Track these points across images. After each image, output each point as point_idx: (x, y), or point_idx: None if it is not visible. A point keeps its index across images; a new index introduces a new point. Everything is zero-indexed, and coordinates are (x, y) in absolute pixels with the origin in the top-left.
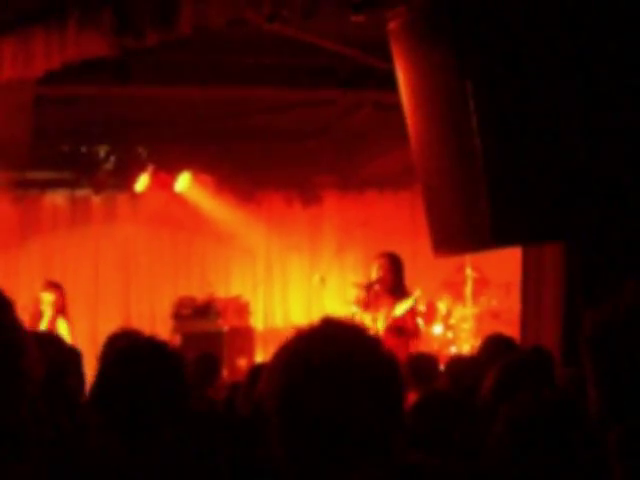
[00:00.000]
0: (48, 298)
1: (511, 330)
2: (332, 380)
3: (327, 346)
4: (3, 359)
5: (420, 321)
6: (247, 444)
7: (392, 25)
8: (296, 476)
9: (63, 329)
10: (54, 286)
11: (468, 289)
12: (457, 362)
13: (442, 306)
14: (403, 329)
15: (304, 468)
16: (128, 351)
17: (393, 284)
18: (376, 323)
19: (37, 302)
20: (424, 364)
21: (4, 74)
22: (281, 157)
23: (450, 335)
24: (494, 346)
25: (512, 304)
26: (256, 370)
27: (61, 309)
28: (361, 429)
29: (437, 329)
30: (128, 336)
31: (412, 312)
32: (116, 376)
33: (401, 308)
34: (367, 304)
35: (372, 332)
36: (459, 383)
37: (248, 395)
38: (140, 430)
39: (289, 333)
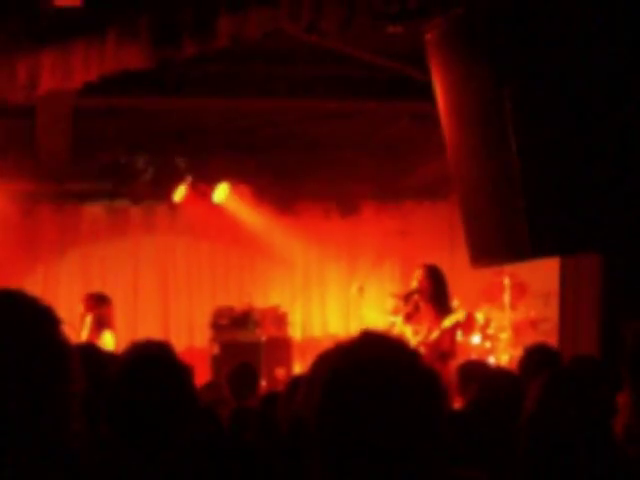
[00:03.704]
0: (100, 312)
1: (549, 340)
2: (371, 397)
3: (366, 362)
4: (50, 378)
5: (458, 332)
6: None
7: (429, 36)
8: None
9: (109, 342)
10: (96, 299)
11: (506, 298)
12: (488, 373)
13: (480, 316)
14: (445, 354)
15: None
16: (131, 363)
17: (433, 295)
18: (418, 335)
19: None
20: (474, 371)
21: (43, 86)
22: (319, 168)
23: (488, 345)
24: (537, 357)
25: (550, 314)
26: (295, 382)
27: (106, 322)
28: (400, 446)
29: (475, 339)
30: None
31: (454, 328)
32: (119, 389)
33: (450, 320)
34: (409, 316)
35: (412, 347)
36: (490, 395)
37: (287, 407)
38: (145, 441)
39: (327, 345)
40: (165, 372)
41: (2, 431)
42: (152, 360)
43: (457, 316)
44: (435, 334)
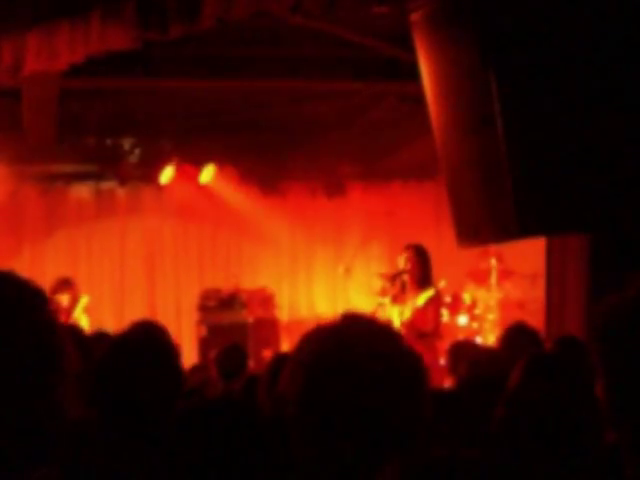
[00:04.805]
0: (65, 299)
1: (536, 320)
2: (353, 377)
3: (348, 343)
4: (42, 359)
5: (445, 312)
6: (264, 439)
7: (414, 16)
8: (317, 473)
9: (84, 324)
10: (67, 284)
11: (493, 278)
12: (477, 352)
13: (467, 297)
14: (423, 332)
15: (325, 465)
16: (120, 342)
17: (420, 276)
18: (402, 316)
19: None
20: (463, 351)
21: (28, 68)
22: (305, 149)
23: (475, 325)
24: (515, 336)
25: (537, 294)
26: (277, 362)
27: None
28: (382, 425)
29: (462, 320)
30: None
31: (434, 305)
32: (106, 368)
33: (422, 298)
34: (395, 297)
35: (394, 328)
36: (479, 373)
37: (270, 387)
38: (132, 421)
39: (311, 327)
40: (150, 352)
41: None
42: (136, 341)
43: (427, 294)
44: (407, 313)
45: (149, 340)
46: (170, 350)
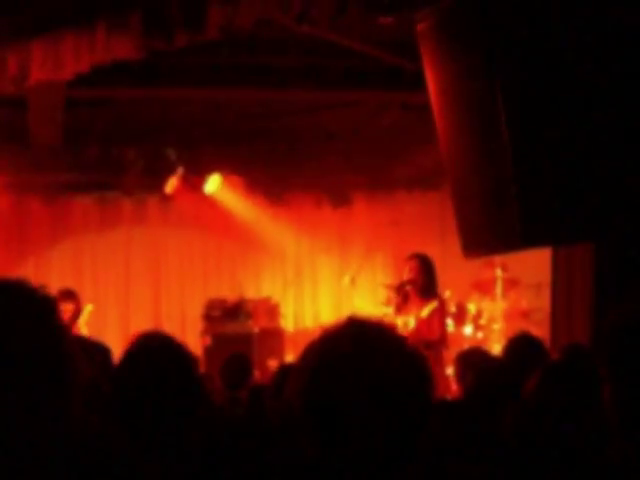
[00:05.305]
0: (67, 310)
1: (542, 330)
2: (357, 380)
3: (352, 346)
4: (51, 365)
5: (450, 322)
6: (270, 445)
7: (420, 26)
8: (322, 474)
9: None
10: (70, 295)
11: (498, 288)
12: (485, 361)
13: (472, 307)
14: (430, 342)
15: (332, 469)
16: (138, 352)
17: (424, 286)
18: (407, 326)
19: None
20: (472, 360)
21: (34, 77)
22: (310, 158)
23: (480, 336)
24: (520, 346)
25: (542, 304)
26: (284, 371)
27: (78, 317)
28: (387, 429)
29: (467, 330)
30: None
31: (439, 315)
32: (126, 377)
33: (426, 310)
34: (399, 308)
35: (398, 331)
36: (486, 383)
37: (276, 396)
38: (151, 431)
39: (317, 333)
40: (174, 362)
41: (5, 422)
42: (160, 350)
43: (432, 305)
44: (412, 323)
45: (167, 350)
46: (188, 360)
